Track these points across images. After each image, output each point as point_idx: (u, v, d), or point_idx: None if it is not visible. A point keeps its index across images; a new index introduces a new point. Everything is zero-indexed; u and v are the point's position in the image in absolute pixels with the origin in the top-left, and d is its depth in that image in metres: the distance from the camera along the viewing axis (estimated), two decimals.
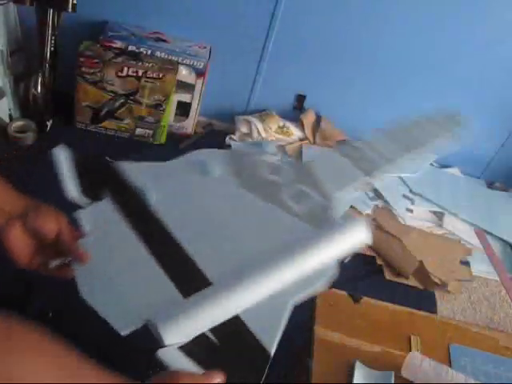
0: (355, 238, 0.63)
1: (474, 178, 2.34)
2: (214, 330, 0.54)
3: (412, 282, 1.76)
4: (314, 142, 2.19)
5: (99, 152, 1.91)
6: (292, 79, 2.13)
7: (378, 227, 1.89)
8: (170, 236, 0.61)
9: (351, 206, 1.95)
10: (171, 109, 2.01)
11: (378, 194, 2.05)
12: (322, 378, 0.72)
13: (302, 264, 0.59)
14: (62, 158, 0.66)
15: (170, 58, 1.91)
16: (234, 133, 2.14)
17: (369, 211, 1.97)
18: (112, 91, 1.88)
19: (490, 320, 1.75)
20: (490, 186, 2.33)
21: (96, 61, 1.81)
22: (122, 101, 1.91)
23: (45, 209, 0.63)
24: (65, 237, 0.63)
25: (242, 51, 2.04)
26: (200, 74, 1.96)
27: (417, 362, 0.72)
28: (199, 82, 1.98)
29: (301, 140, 2.20)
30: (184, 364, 0.52)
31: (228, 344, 0.54)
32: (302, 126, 2.18)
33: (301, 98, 2.18)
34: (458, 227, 2.02)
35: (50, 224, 0.62)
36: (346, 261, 1.80)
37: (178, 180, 0.68)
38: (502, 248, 2.01)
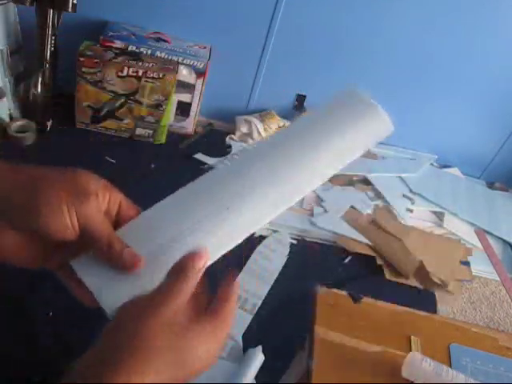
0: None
1: (473, 178, 2.34)
2: None
3: (412, 282, 1.75)
4: None
5: (99, 152, 1.92)
6: (292, 79, 2.13)
7: (378, 227, 1.89)
8: None
9: (351, 206, 1.96)
10: (171, 109, 2.01)
11: (377, 194, 2.05)
12: (322, 378, 0.72)
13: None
14: None
15: (170, 57, 1.91)
16: (234, 133, 2.14)
17: (369, 211, 1.97)
18: (112, 91, 1.88)
19: (490, 320, 1.75)
20: (490, 186, 2.33)
21: (96, 61, 1.81)
22: (122, 101, 1.91)
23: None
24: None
25: (242, 51, 2.04)
26: (200, 73, 1.96)
27: (417, 362, 0.72)
28: (199, 82, 1.98)
29: None
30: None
31: None
32: None
33: (301, 98, 2.18)
34: (458, 227, 2.02)
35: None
36: (346, 261, 1.80)
37: None
38: (502, 248, 2.01)
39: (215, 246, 0.42)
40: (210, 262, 0.41)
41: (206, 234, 0.42)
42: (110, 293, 0.39)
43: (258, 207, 0.44)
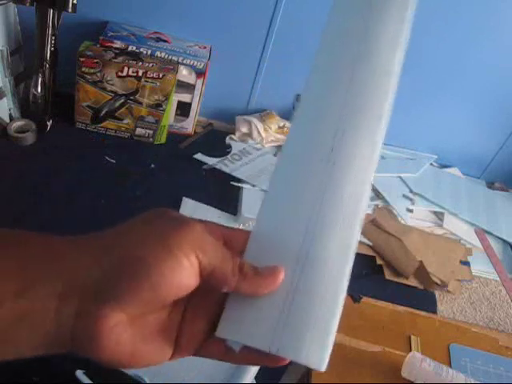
0: None
1: (474, 178, 2.34)
2: None
3: (412, 282, 1.76)
4: None
5: (99, 152, 1.92)
6: (292, 79, 2.13)
7: (378, 227, 1.89)
8: None
9: None
10: (171, 109, 2.01)
11: (377, 194, 2.05)
12: (322, 378, 0.72)
13: None
14: None
15: (170, 58, 1.91)
16: (234, 133, 2.14)
17: (369, 211, 1.97)
18: (112, 91, 1.88)
19: (490, 320, 1.74)
20: (490, 186, 2.33)
21: (96, 61, 1.81)
22: (122, 101, 1.91)
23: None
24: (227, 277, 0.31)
25: (242, 51, 2.04)
26: (200, 73, 1.96)
27: (417, 362, 0.72)
28: (199, 82, 1.98)
29: None
30: None
31: None
32: None
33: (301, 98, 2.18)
34: (458, 227, 2.02)
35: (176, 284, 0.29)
36: None
37: None
38: (502, 248, 2.01)
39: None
40: (352, 255, 0.35)
41: (327, 217, 0.35)
42: (285, 337, 0.33)
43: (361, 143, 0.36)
